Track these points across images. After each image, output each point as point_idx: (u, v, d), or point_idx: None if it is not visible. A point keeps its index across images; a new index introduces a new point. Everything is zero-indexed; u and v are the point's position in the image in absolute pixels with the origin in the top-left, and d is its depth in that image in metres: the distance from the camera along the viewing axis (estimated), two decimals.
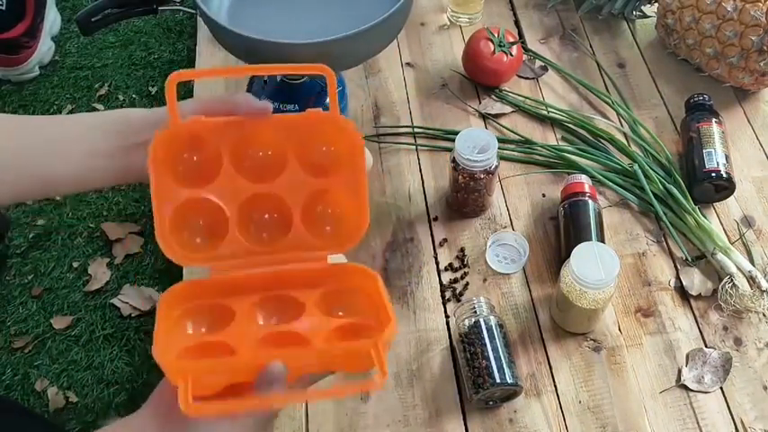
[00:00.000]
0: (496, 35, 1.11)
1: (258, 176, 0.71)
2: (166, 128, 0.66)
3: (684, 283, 0.93)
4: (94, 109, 1.51)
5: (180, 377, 0.57)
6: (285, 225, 0.70)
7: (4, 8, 1.46)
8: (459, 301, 0.92)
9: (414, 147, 1.07)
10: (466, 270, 0.95)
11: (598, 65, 1.18)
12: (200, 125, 0.68)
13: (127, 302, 1.23)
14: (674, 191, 0.99)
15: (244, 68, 0.70)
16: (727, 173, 0.99)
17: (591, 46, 1.21)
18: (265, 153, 0.72)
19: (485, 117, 1.11)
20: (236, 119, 0.70)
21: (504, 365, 0.81)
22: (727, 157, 1.00)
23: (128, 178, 0.71)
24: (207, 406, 0.57)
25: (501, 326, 0.84)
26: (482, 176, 0.93)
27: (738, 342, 0.89)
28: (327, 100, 0.99)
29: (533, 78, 1.16)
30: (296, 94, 0.98)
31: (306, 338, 0.63)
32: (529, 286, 0.93)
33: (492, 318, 0.84)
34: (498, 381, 0.80)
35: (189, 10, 0.93)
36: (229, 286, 0.67)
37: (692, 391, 0.85)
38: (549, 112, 1.11)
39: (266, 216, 0.71)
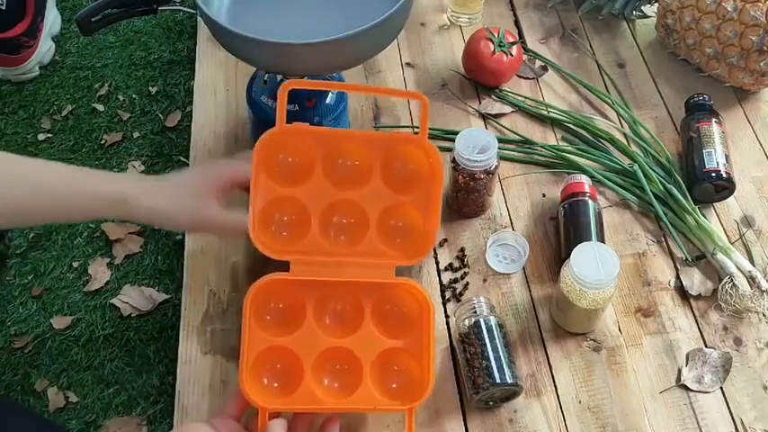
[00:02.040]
0: (496, 35, 1.11)
1: (344, 184, 0.79)
2: (273, 129, 0.76)
3: (684, 283, 0.93)
4: (94, 109, 1.51)
5: (260, 411, 0.72)
6: (361, 232, 0.79)
7: (4, 7, 1.46)
8: (459, 301, 0.92)
9: None
10: (466, 270, 0.95)
11: (598, 65, 1.18)
12: (302, 130, 0.78)
13: (127, 302, 1.23)
14: (674, 191, 0.99)
15: (349, 86, 0.87)
16: (727, 173, 0.99)
17: (591, 46, 1.21)
18: (353, 164, 0.80)
19: (485, 117, 1.11)
20: (331, 130, 0.81)
21: (504, 365, 0.81)
22: (727, 157, 1.00)
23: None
24: None
25: (501, 326, 0.84)
26: (482, 176, 0.93)
27: (738, 342, 0.89)
28: (328, 100, 0.99)
29: (533, 78, 1.16)
30: (296, 94, 0.98)
31: (357, 360, 0.76)
32: (529, 286, 0.93)
33: (492, 318, 0.84)
34: (498, 381, 0.80)
35: (189, 10, 0.93)
36: (304, 284, 0.77)
37: (692, 391, 0.85)
38: (549, 112, 1.11)
39: (345, 221, 0.80)
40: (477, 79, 1.14)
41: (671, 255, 0.96)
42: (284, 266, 0.78)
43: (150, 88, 1.55)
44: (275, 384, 0.76)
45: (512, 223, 0.99)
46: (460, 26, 1.24)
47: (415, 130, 1.09)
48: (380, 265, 0.79)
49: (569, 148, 1.06)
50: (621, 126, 1.10)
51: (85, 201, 0.79)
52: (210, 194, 0.80)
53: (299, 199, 0.78)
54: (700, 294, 0.92)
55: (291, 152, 0.80)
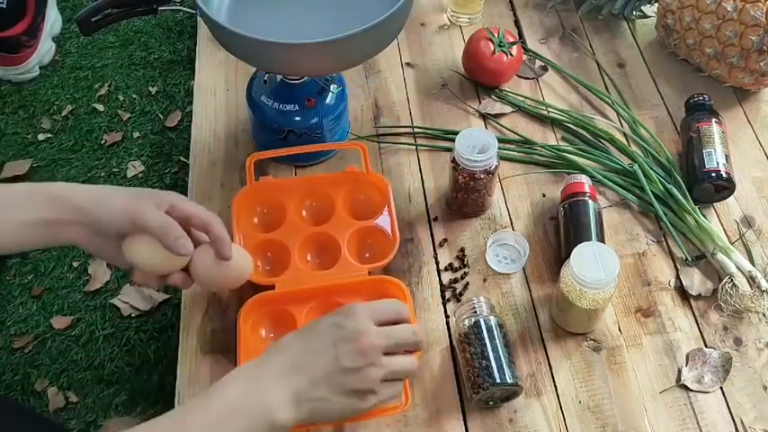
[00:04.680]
0: (496, 35, 1.11)
1: (313, 220, 0.95)
2: (245, 188, 0.94)
3: (684, 283, 0.93)
4: (94, 109, 1.51)
5: None
6: (335, 255, 0.91)
7: (4, 6, 1.46)
8: (459, 301, 0.92)
9: (414, 147, 1.07)
10: (466, 270, 0.95)
11: (598, 65, 1.18)
12: (269, 184, 0.95)
13: (127, 302, 1.23)
14: (674, 191, 0.99)
15: (300, 148, 0.98)
16: (727, 173, 0.99)
17: (591, 46, 1.21)
18: (318, 203, 0.96)
19: (485, 117, 1.11)
20: (296, 180, 0.99)
21: (504, 365, 0.81)
22: (727, 157, 1.00)
23: (59, 243, 0.76)
24: None
25: (501, 326, 0.84)
26: (482, 176, 0.93)
27: (738, 342, 0.89)
28: (328, 100, 0.99)
29: (533, 78, 1.16)
30: (296, 94, 0.98)
31: None
32: (529, 286, 0.93)
33: (492, 318, 0.84)
34: (498, 381, 0.80)
35: (189, 10, 0.93)
36: (291, 296, 0.88)
37: (692, 391, 0.85)
38: (549, 112, 1.11)
39: (320, 249, 0.93)
40: (477, 79, 1.14)
41: (671, 255, 0.96)
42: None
43: (150, 88, 1.55)
44: None
45: (512, 223, 0.99)
46: (460, 26, 1.24)
47: (416, 129, 1.09)
48: (354, 272, 0.90)
49: (569, 148, 1.06)
50: (621, 126, 1.10)
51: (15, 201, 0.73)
52: (148, 199, 0.75)
53: (279, 239, 0.92)
54: (700, 294, 0.92)
55: (266, 203, 0.95)
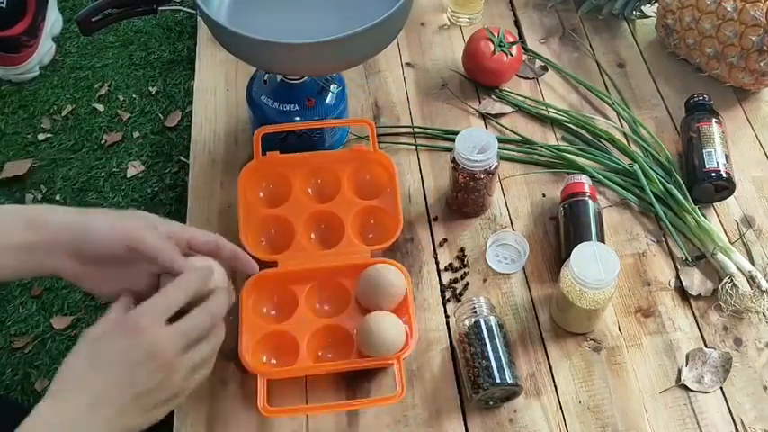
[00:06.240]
0: (496, 35, 1.11)
1: (319, 198, 0.96)
2: (251, 162, 0.94)
3: (684, 283, 0.93)
4: (94, 109, 1.51)
5: (259, 377, 0.80)
6: (338, 234, 0.92)
7: (5, 6, 1.46)
8: (459, 301, 0.92)
9: (414, 147, 1.07)
10: (466, 270, 0.95)
11: (598, 65, 1.18)
12: (276, 159, 0.95)
13: None
14: (674, 191, 0.99)
15: (307, 124, 0.97)
16: (727, 173, 0.99)
17: (591, 46, 1.21)
18: (324, 180, 0.96)
19: (485, 117, 1.11)
20: (303, 155, 0.95)
21: (504, 365, 0.81)
22: (727, 157, 1.00)
23: (42, 273, 0.71)
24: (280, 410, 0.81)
25: (501, 326, 0.85)
26: (482, 176, 0.93)
27: (738, 342, 0.89)
28: (328, 100, 0.99)
29: (533, 78, 1.16)
30: (296, 94, 0.98)
31: (348, 333, 0.85)
32: (529, 286, 0.93)
33: (492, 318, 0.84)
34: (498, 381, 0.80)
35: (189, 10, 0.93)
36: (293, 276, 0.89)
37: (692, 391, 0.85)
38: (549, 112, 1.11)
39: (324, 227, 0.94)
40: (477, 79, 1.14)
41: (671, 255, 0.96)
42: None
43: (150, 88, 1.55)
44: (273, 360, 0.85)
45: (512, 223, 0.99)
46: (460, 26, 1.24)
47: (416, 129, 1.09)
48: (356, 252, 0.91)
49: (569, 148, 1.06)
50: (621, 126, 1.10)
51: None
52: (145, 220, 0.72)
53: (283, 215, 0.92)
54: (700, 294, 0.92)
55: (272, 178, 0.95)
